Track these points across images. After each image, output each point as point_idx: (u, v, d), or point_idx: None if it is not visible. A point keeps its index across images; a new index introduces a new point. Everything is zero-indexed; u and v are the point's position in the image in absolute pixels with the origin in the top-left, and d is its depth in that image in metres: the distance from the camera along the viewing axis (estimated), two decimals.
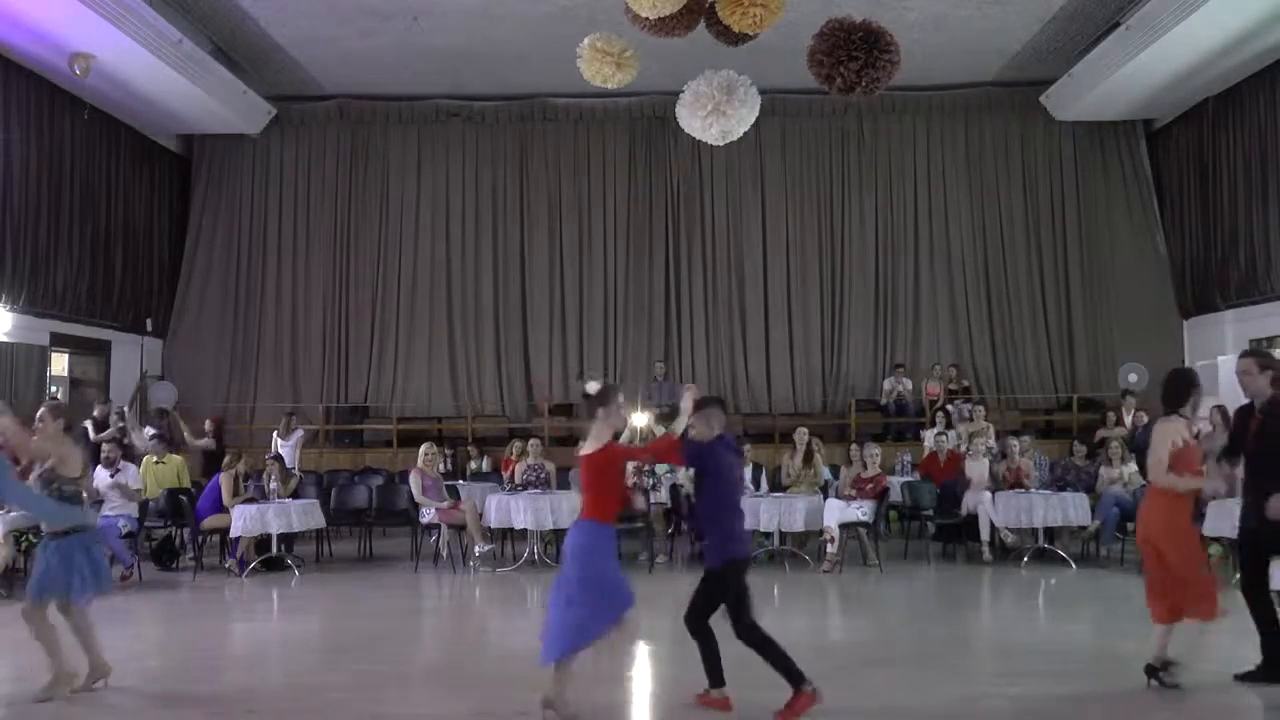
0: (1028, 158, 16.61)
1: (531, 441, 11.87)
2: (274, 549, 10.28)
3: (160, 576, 10.36)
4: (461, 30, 13.60)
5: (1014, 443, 11.13)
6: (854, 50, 5.65)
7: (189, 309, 16.62)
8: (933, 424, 13.36)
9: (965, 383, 15.61)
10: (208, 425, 13.24)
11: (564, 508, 10.20)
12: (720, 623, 5.29)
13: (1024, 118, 16.39)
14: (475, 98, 16.54)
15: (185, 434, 13.18)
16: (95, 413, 12.45)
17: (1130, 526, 9.05)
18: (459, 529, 10.43)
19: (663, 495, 11.04)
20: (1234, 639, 6.05)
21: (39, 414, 6.12)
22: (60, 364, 14.22)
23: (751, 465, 11.53)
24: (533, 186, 16.74)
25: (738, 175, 16.59)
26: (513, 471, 11.72)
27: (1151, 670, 5.49)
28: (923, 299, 16.41)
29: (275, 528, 10.07)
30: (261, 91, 15.51)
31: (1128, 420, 12.88)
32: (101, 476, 9.85)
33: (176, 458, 11.73)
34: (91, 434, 11.74)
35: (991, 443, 11.79)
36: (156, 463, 11.26)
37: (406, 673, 6.43)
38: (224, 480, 10.53)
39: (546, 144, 16.78)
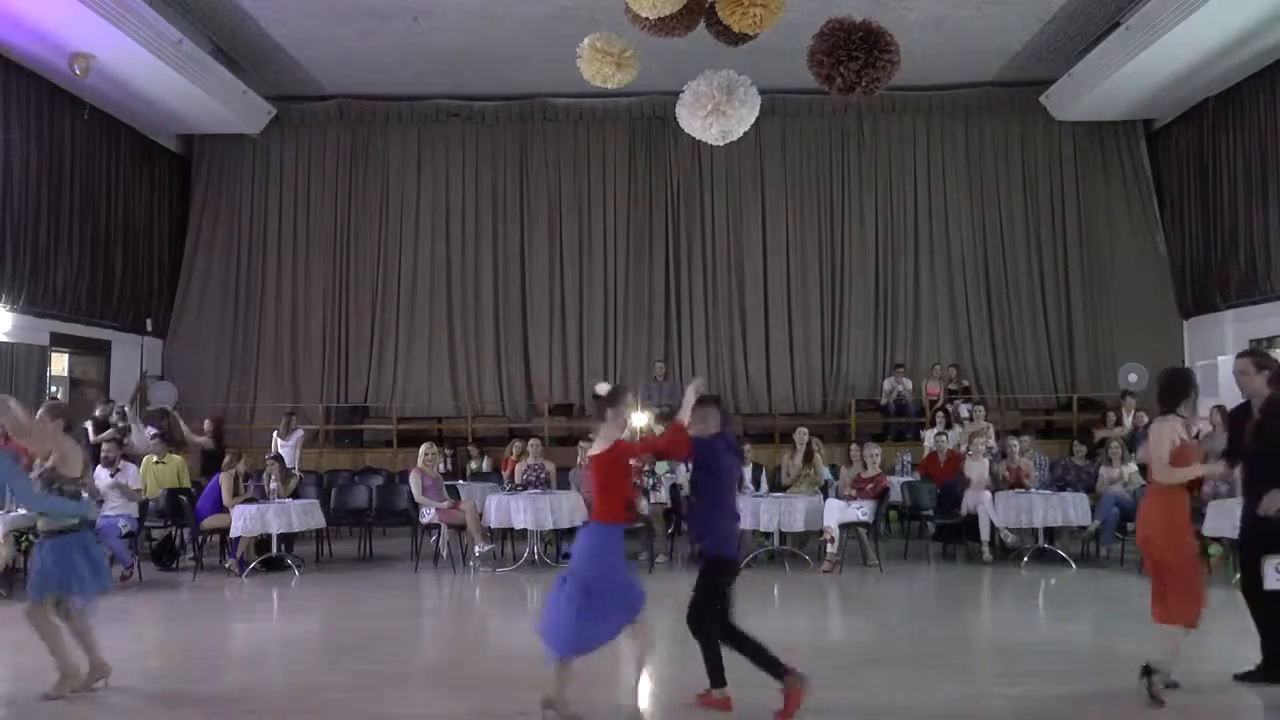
0: (1028, 158, 16.61)
1: (531, 441, 11.88)
2: (274, 549, 10.28)
3: (160, 576, 10.36)
4: (461, 30, 13.60)
5: (1014, 443, 11.14)
6: (854, 50, 5.65)
7: (189, 309, 16.62)
8: (933, 424, 13.37)
9: (965, 383, 15.61)
10: (206, 425, 13.25)
11: (564, 508, 10.22)
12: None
13: (1024, 118, 16.39)
14: (475, 98, 16.54)
15: (185, 432, 13.18)
16: (97, 412, 12.45)
17: (1130, 526, 9.05)
18: (459, 529, 10.43)
19: (663, 495, 11.05)
20: (1234, 639, 6.06)
21: (38, 414, 6.12)
22: (60, 364, 14.22)
23: (751, 465, 11.55)
24: (533, 186, 16.74)
25: (738, 175, 16.59)
26: (513, 471, 11.73)
27: (1147, 671, 5.42)
28: (923, 299, 16.41)
29: (275, 528, 10.07)
30: (261, 91, 15.51)
31: (1127, 420, 12.87)
32: (101, 476, 9.85)
33: (177, 458, 11.73)
34: (91, 434, 11.73)
35: (991, 443, 11.79)
36: (156, 463, 11.26)
37: (406, 673, 6.43)
38: (224, 480, 10.54)
39: (546, 144, 16.78)
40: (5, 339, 12.35)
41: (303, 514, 10.38)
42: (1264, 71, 13.16)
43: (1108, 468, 10.78)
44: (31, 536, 8.32)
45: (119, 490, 10.06)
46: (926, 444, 12.71)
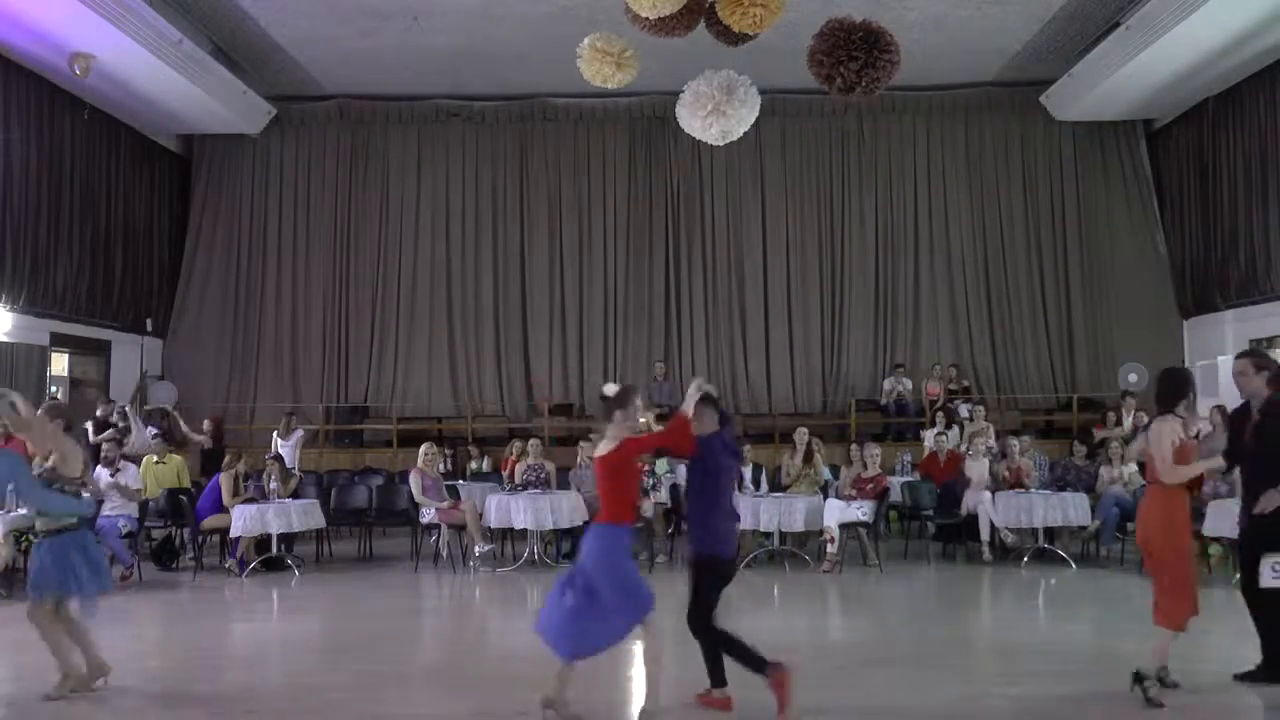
0: (1028, 158, 16.61)
1: (531, 441, 11.87)
2: (274, 549, 10.28)
3: (160, 576, 10.36)
4: (461, 30, 13.60)
5: (1014, 443, 11.14)
6: (854, 50, 5.65)
7: (189, 309, 16.62)
8: (933, 424, 13.37)
9: (965, 383, 15.61)
10: (206, 425, 13.25)
11: (564, 508, 10.22)
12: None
13: (1024, 118, 16.39)
14: (475, 98, 16.54)
15: (185, 430, 13.18)
16: (98, 412, 12.46)
17: (1130, 526, 9.04)
18: (459, 529, 10.43)
19: (663, 495, 11.05)
20: (1234, 639, 6.06)
21: (37, 414, 6.13)
22: (60, 364, 14.22)
23: (751, 465, 11.55)
24: (533, 186, 16.74)
25: (738, 175, 16.59)
26: (513, 471, 11.73)
27: (1139, 678, 5.39)
28: (923, 299, 16.41)
29: (275, 528, 10.07)
30: (261, 91, 15.51)
31: (1127, 420, 12.87)
32: (102, 476, 9.85)
33: (177, 458, 11.73)
34: (91, 434, 11.74)
35: (991, 443, 11.79)
36: (157, 463, 11.27)
37: (406, 673, 6.44)
38: (224, 480, 10.54)
39: (546, 144, 16.78)
40: (5, 339, 12.35)
41: (303, 514, 10.38)
42: (1264, 71, 13.16)
43: (1108, 468, 10.78)
44: (31, 536, 8.34)
45: (118, 491, 10.06)
46: (926, 444, 12.71)
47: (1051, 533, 10.38)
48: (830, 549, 9.97)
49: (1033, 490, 10.49)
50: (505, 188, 16.77)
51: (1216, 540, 9.08)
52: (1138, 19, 12.50)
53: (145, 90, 13.66)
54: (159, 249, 16.20)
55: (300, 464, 13.09)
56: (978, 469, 10.80)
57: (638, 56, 6.46)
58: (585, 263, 16.63)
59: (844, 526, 10.04)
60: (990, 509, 10.30)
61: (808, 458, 10.98)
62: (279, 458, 11.32)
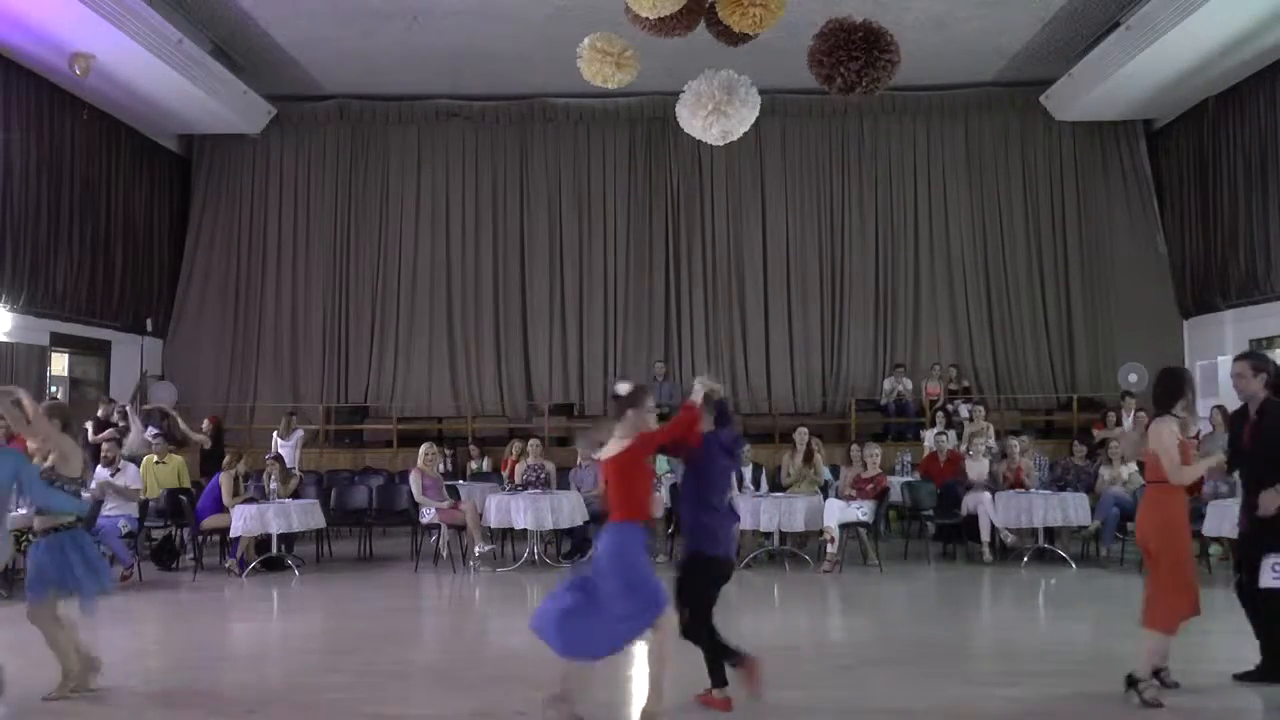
0: (1028, 158, 16.61)
1: (531, 441, 11.88)
2: (274, 549, 10.28)
3: (160, 576, 10.36)
4: (461, 30, 13.60)
5: (1014, 443, 11.13)
6: (854, 50, 5.65)
7: (189, 309, 16.62)
8: (933, 424, 13.37)
9: (965, 383, 15.61)
10: (205, 425, 13.25)
11: (564, 508, 10.23)
12: (721, 623, 5.30)
13: (1024, 118, 16.40)
14: (475, 98, 16.54)
15: (185, 430, 13.17)
16: (99, 412, 12.45)
17: (1130, 526, 9.03)
18: (459, 529, 10.43)
19: (663, 495, 11.04)
20: (1234, 639, 6.06)
21: (37, 414, 6.11)
22: (60, 364, 14.22)
23: (751, 465, 11.55)
24: (533, 187, 16.74)
25: (738, 175, 16.59)
26: (513, 471, 11.73)
27: (1132, 681, 5.41)
28: (923, 299, 16.41)
29: (275, 528, 10.07)
30: (261, 91, 15.51)
31: (1127, 421, 12.86)
32: (102, 476, 9.85)
33: (177, 458, 11.74)
34: (91, 434, 11.73)
35: (991, 443, 11.79)
36: (156, 463, 11.27)
37: (406, 673, 6.43)
38: (224, 480, 10.54)
39: (546, 144, 16.78)
40: (5, 339, 12.35)
41: (303, 514, 10.39)
42: (1264, 71, 13.16)
43: (1108, 468, 10.78)
44: (30, 536, 8.34)
45: (113, 490, 10.05)
46: (926, 444, 12.71)
47: (1051, 533, 10.38)
48: (830, 549, 9.97)
49: (1033, 490, 10.49)
50: (505, 188, 16.77)
51: (1216, 540, 9.08)
52: (1138, 19, 12.50)
53: (145, 90, 13.65)
54: (159, 249, 16.20)
55: (300, 464, 13.09)
56: (978, 469, 10.81)
57: (638, 56, 6.47)
58: (585, 263, 16.63)
59: (844, 526, 10.04)
60: (990, 509, 10.30)
61: (808, 458, 10.98)
62: (279, 458, 11.32)
